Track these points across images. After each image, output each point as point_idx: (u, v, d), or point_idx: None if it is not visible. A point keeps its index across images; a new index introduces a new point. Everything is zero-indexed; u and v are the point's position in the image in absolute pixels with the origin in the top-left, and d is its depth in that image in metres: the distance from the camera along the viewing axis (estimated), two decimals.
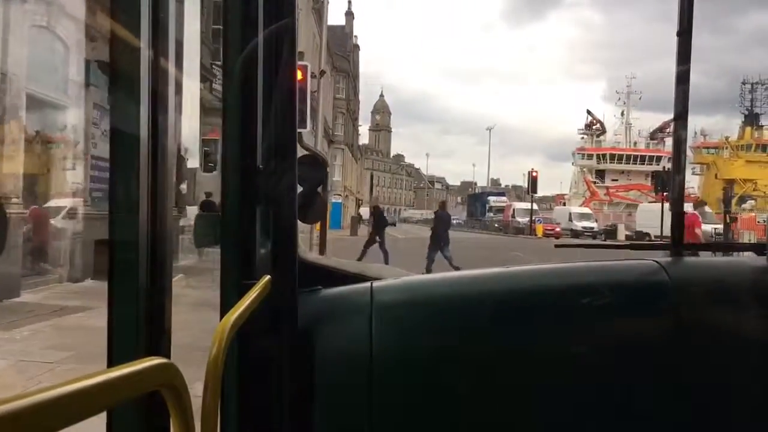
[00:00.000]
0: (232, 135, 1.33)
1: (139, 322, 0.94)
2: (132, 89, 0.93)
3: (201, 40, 10.85)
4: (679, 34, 1.72)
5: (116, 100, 0.96)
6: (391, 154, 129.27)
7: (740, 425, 1.49)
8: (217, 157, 13.33)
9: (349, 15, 57.53)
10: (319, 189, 1.61)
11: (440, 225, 14.59)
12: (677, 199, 1.80)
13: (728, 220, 25.86)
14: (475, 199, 76.66)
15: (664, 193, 18.14)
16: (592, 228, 41.97)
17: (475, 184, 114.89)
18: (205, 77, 11.89)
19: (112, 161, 0.95)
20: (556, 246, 2.15)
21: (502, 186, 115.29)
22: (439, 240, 14.06)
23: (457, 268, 10.03)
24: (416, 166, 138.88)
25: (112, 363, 0.93)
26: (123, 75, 0.95)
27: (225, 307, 1.25)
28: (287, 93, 1.43)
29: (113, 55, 0.94)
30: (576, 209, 51.02)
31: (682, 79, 1.72)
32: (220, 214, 1.36)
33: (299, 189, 1.50)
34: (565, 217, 45.04)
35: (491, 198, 65.71)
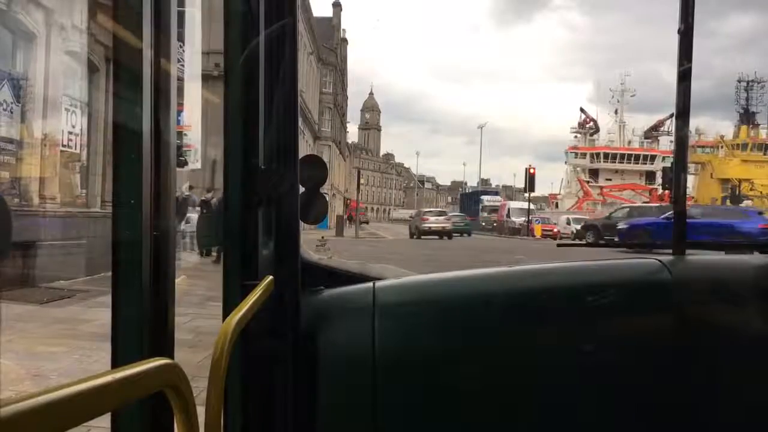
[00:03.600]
0: (234, 135, 1.32)
1: (142, 323, 0.93)
2: (134, 85, 0.92)
3: (201, 37, 10.83)
4: (680, 32, 1.71)
5: (118, 96, 0.95)
6: (381, 153, 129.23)
7: (742, 423, 1.49)
8: (185, 151, 13.20)
9: (337, 6, 56.18)
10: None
11: None
12: (680, 197, 1.80)
13: None
14: (468, 199, 75.27)
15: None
16: None
17: (466, 183, 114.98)
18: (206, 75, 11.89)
19: (114, 159, 0.94)
20: (558, 245, 2.15)
21: (493, 186, 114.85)
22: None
23: None
24: (406, 165, 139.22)
25: (116, 364, 0.92)
26: (125, 71, 0.93)
27: (228, 308, 1.24)
28: (289, 93, 1.42)
29: (116, 51, 0.93)
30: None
31: (684, 77, 1.71)
32: (222, 214, 1.36)
33: (301, 189, 1.50)
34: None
35: (484, 197, 63.84)
